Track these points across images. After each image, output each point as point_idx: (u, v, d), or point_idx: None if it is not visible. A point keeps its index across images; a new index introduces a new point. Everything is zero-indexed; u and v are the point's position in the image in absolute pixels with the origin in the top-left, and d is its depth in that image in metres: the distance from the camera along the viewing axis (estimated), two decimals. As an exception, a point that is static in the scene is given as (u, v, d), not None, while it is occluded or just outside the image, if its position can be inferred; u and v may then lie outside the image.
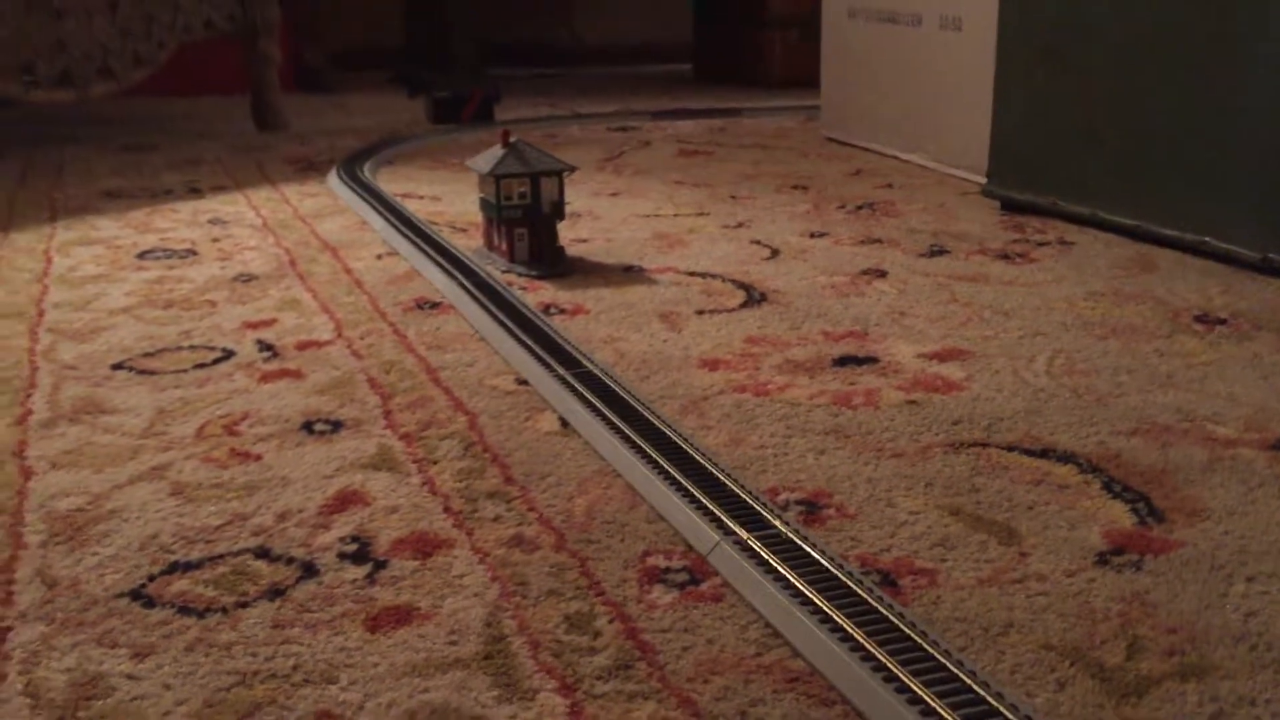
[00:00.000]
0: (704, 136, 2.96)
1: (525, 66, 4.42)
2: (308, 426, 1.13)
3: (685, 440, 1.05)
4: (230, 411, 1.17)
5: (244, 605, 0.82)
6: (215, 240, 1.87)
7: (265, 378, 1.26)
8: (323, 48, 3.93)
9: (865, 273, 1.66)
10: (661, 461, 1.00)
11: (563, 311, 1.49)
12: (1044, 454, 1.05)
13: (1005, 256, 1.74)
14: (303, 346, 1.36)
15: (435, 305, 1.51)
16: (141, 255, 1.78)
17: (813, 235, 1.88)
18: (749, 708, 0.71)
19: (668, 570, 0.87)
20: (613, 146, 2.81)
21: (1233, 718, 0.70)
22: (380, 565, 0.87)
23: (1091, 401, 1.17)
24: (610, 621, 0.80)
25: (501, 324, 1.38)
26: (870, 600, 0.79)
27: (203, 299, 1.55)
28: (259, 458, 1.06)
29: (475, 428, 1.12)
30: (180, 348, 1.36)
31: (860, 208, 2.09)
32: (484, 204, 1.72)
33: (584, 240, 1.86)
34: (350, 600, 0.83)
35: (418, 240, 1.78)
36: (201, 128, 3.13)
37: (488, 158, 1.66)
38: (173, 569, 0.87)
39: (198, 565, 0.88)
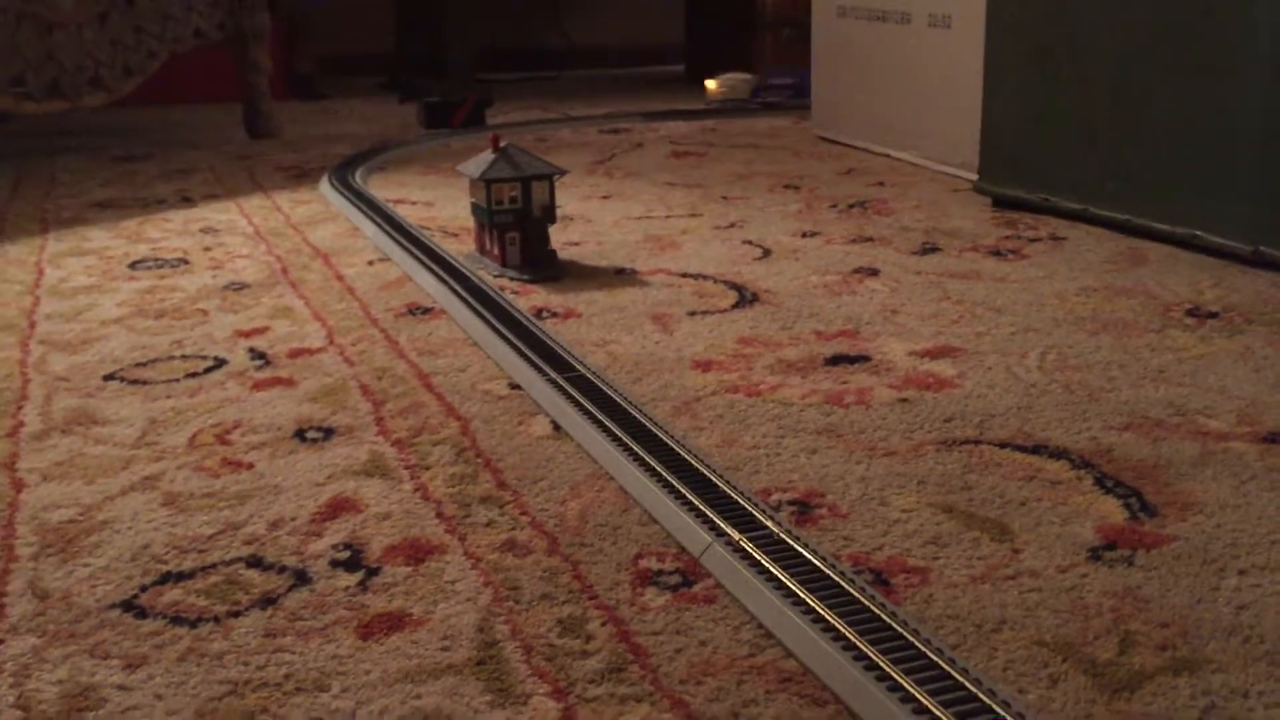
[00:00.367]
0: (696, 137, 2.96)
1: (516, 70, 4.42)
2: (300, 434, 1.13)
3: (677, 442, 1.05)
4: (222, 420, 1.17)
5: (236, 614, 0.82)
6: (207, 249, 1.87)
7: (257, 386, 1.26)
8: (314, 54, 3.93)
9: (857, 271, 1.66)
10: (654, 464, 1.00)
11: (555, 315, 1.49)
12: (1036, 450, 1.05)
13: (997, 253, 1.74)
14: (295, 354, 1.36)
15: (427, 311, 1.51)
16: (133, 265, 1.78)
17: (805, 235, 1.88)
18: (742, 709, 0.71)
19: (660, 573, 0.87)
20: (604, 149, 2.81)
21: (1225, 711, 0.70)
22: (372, 572, 0.87)
23: (1083, 397, 1.17)
24: (603, 625, 0.80)
25: (494, 328, 1.38)
26: (863, 599, 0.79)
27: (194, 308, 1.55)
28: (251, 466, 1.06)
29: (467, 433, 1.12)
30: (172, 357, 1.36)
31: (852, 206, 2.10)
32: (475, 209, 1.72)
33: (576, 243, 1.86)
34: (342, 607, 0.83)
35: (410, 246, 1.78)
36: (193, 136, 3.13)
37: (478, 162, 1.66)
38: (165, 579, 0.87)
39: (190, 575, 0.88)
